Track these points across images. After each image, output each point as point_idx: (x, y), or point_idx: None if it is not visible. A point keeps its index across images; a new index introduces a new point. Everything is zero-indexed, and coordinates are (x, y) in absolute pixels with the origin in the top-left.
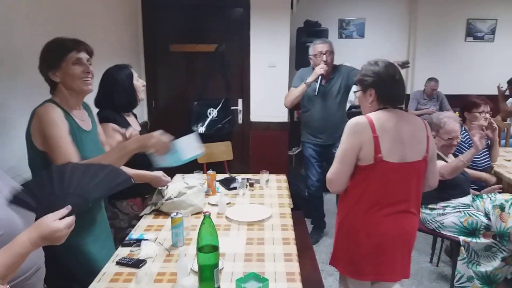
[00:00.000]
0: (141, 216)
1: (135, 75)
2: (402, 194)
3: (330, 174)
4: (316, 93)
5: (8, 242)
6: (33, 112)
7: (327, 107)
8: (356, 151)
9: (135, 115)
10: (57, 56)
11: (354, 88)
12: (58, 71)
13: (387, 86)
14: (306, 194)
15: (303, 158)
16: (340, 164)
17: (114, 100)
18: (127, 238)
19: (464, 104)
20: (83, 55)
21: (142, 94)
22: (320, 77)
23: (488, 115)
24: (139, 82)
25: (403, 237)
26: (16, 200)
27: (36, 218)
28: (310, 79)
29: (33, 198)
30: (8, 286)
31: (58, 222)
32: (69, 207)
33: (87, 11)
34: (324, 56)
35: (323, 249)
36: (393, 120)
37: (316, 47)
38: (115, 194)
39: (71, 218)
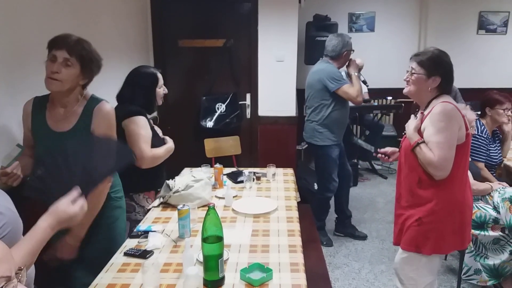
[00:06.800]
0: (149, 209)
1: (160, 82)
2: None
3: (441, 160)
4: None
5: (14, 238)
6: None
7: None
8: (457, 133)
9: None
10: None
11: (414, 66)
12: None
13: (451, 78)
14: (326, 196)
15: (328, 162)
16: (450, 149)
17: (134, 100)
18: (135, 230)
19: (486, 100)
20: (61, 54)
21: (160, 101)
22: None
23: (510, 112)
24: (161, 90)
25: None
26: (31, 189)
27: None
28: (356, 72)
29: (42, 184)
30: (26, 278)
31: (73, 206)
32: (78, 188)
33: (95, 6)
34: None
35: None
36: (453, 101)
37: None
38: (132, 187)
39: (83, 200)
